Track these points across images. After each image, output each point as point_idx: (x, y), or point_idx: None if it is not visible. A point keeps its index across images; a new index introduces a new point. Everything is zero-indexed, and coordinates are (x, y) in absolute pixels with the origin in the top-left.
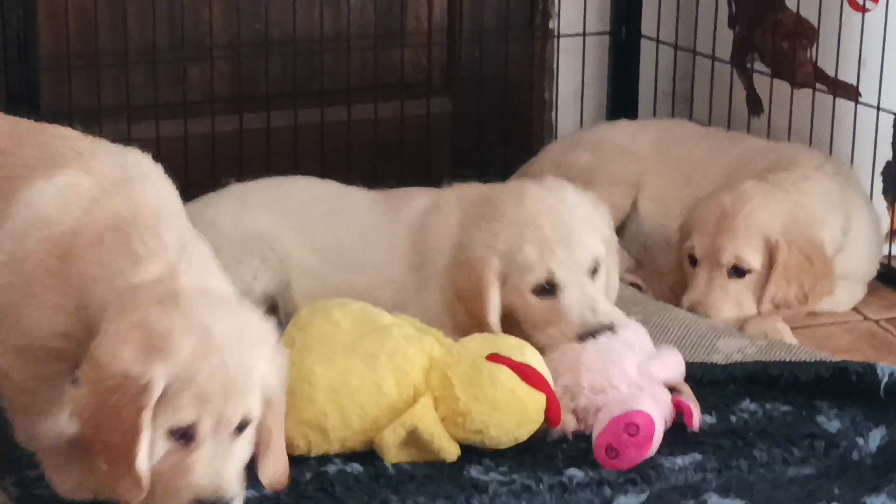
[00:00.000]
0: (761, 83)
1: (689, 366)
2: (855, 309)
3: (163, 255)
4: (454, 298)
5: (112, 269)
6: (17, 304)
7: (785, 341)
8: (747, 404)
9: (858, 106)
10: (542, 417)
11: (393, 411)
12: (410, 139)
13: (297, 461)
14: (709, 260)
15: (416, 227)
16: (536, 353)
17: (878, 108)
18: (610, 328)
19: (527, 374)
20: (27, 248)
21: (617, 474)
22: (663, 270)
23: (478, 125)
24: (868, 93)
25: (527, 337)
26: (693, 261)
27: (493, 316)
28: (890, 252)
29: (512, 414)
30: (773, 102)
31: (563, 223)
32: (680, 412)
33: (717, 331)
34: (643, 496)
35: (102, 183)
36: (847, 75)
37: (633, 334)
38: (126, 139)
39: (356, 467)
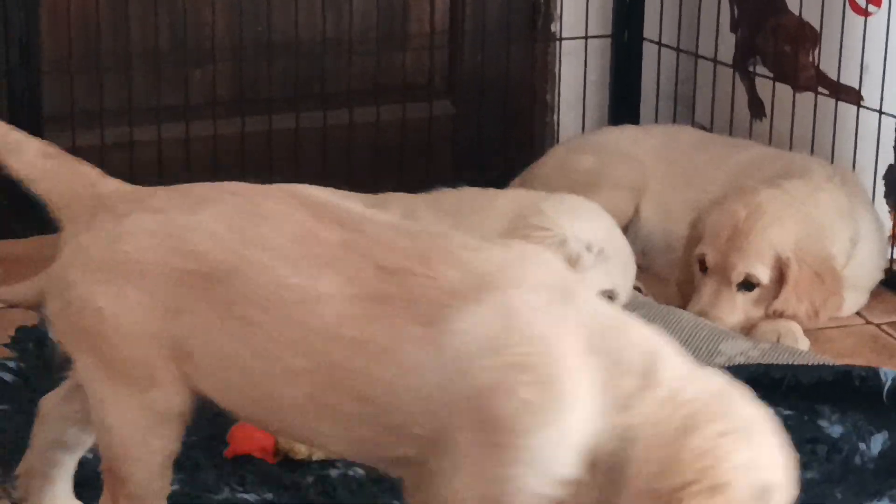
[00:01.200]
0: (763, 87)
1: None
2: (857, 313)
3: None
4: None
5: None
6: None
7: (798, 344)
8: None
9: (860, 110)
10: None
11: None
12: (412, 142)
13: (298, 465)
14: (718, 271)
15: None
16: None
17: (881, 112)
18: None
19: None
20: None
21: None
22: (663, 274)
23: (479, 128)
24: (870, 97)
25: None
26: (703, 267)
27: None
28: (892, 256)
29: None
30: (775, 106)
31: (628, 247)
32: None
33: (720, 334)
34: None
35: None
36: (849, 79)
37: None
38: (128, 142)
39: (358, 471)
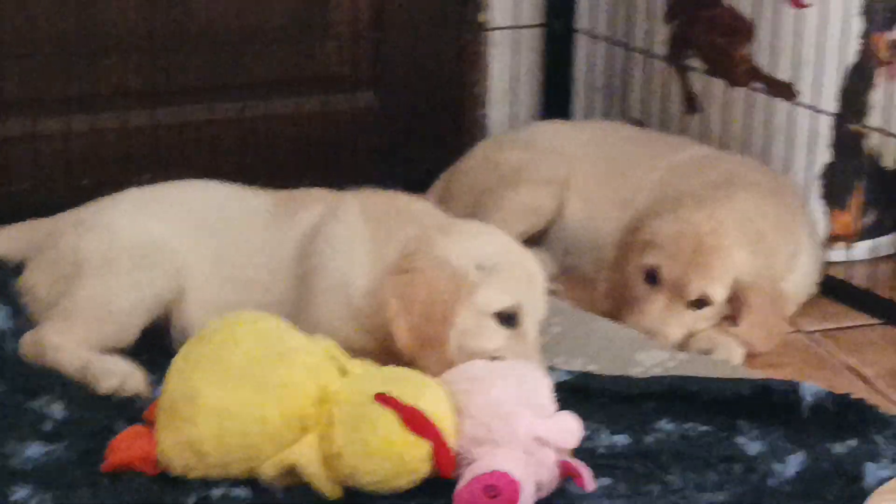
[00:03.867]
0: (698, 81)
1: (606, 380)
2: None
3: None
4: (399, 311)
5: None
6: None
7: (732, 356)
8: (664, 424)
9: (796, 106)
10: (424, 467)
11: (277, 443)
12: (335, 135)
13: (180, 483)
14: (672, 287)
15: (306, 239)
16: (440, 392)
17: (815, 109)
18: None
19: (412, 420)
20: None
21: None
22: (587, 274)
23: (405, 121)
24: (806, 92)
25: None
26: (651, 277)
27: (453, 339)
28: (827, 259)
29: (386, 462)
30: (708, 101)
31: (531, 262)
32: (568, 475)
33: (637, 343)
34: None
35: None
36: (783, 74)
37: (538, 388)
38: (31, 134)
39: (242, 493)
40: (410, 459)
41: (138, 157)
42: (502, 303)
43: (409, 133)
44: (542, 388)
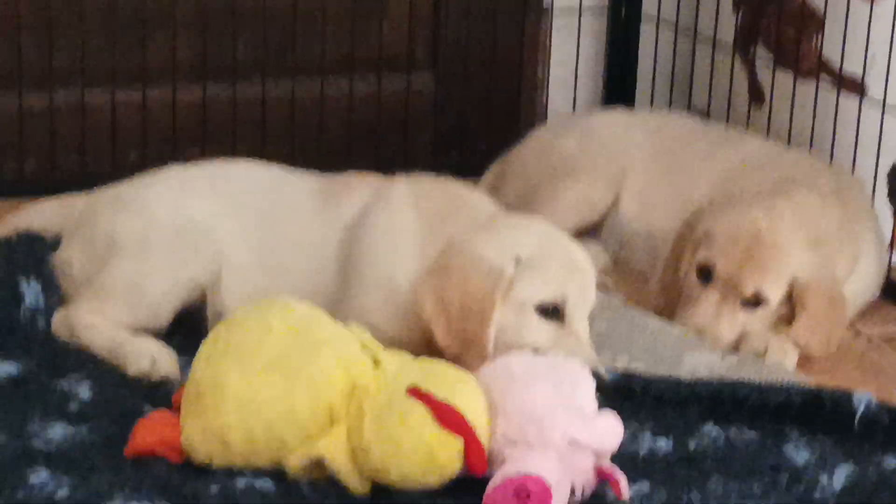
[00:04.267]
0: (764, 72)
1: (651, 380)
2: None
3: None
4: (436, 313)
5: None
6: None
7: (786, 361)
8: (709, 428)
9: (864, 101)
10: (456, 466)
11: (304, 435)
12: (388, 118)
13: (203, 472)
14: (726, 284)
15: (352, 226)
16: (475, 389)
17: (885, 105)
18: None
19: (445, 416)
20: None
21: None
22: (641, 269)
23: (462, 105)
24: (875, 89)
25: None
26: (705, 274)
27: (491, 337)
28: (890, 262)
29: (416, 459)
30: (775, 94)
31: (577, 253)
32: (604, 480)
33: (685, 343)
34: None
35: None
36: (853, 68)
37: (578, 387)
38: (80, 105)
39: (266, 485)
40: (441, 457)
41: (186, 133)
42: (543, 295)
43: (466, 117)
44: (583, 388)
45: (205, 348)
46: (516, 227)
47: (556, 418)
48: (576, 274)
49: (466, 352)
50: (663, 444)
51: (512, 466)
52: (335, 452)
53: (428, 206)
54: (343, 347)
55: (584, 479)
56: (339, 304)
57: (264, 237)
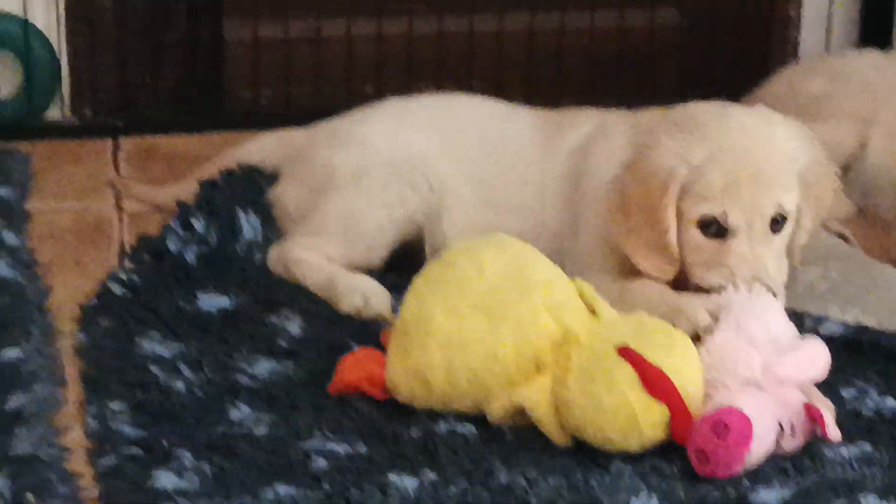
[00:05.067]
0: None
1: (883, 335)
2: None
3: None
4: (619, 217)
5: None
6: None
7: None
8: None
9: None
10: (659, 433)
11: (507, 380)
12: (630, 53)
13: (405, 413)
14: None
15: (575, 160)
16: (691, 352)
17: None
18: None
19: (651, 381)
20: None
21: (765, 462)
22: (887, 219)
23: (709, 41)
24: None
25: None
26: None
27: (673, 234)
28: None
29: (616, 421)
30: None
31: (761, 160)
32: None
33: None
34: (787, 491)
35: None
36: None
37: (768, 319)
38: (315, 37)
39: (469, 430)
40: (644, 423)
41: (422, 65)
42: (702, 209)
43: (713, 55)
44: (774, 319)
45: (416, 285)
46: (700, 128)
47: (749, 355)
48: (745, 182)
49: (652, 259)
50: (891, 403)
51: (710, 404)
52: (538, 402)
53: (646, 136)
54: (556, 293)
55: (792, 415)
56: (564, 242)
57: (485, 172)
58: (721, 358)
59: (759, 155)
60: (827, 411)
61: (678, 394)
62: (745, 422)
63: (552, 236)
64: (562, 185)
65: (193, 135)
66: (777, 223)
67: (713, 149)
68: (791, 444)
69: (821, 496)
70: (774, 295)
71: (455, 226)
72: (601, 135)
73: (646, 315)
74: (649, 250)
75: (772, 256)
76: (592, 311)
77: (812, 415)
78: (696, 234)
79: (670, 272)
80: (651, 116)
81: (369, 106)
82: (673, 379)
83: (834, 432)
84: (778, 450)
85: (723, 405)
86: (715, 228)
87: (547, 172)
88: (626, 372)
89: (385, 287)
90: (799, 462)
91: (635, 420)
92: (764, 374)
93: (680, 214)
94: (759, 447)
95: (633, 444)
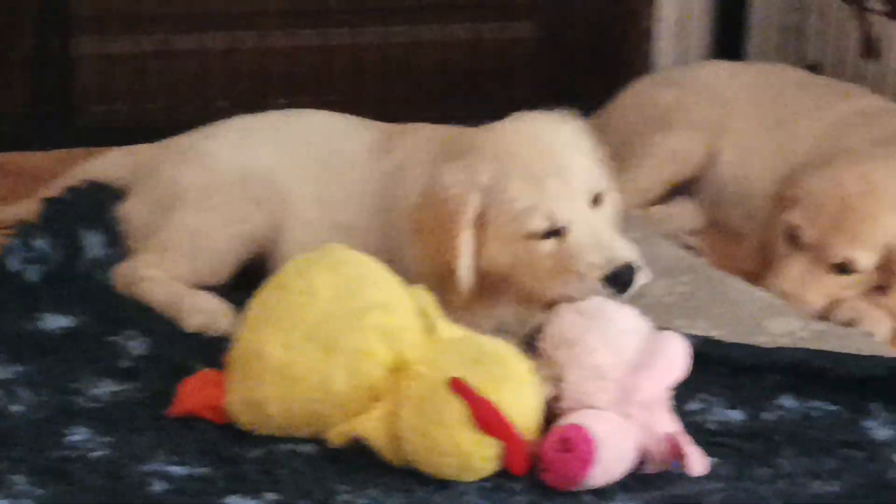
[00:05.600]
0: (878, 24)
1: (729, 347)
2: None
3: None
4: (419, 246)
5: None
6: None
7: (878, 330)
8: (785, 400)
9: None
10: (492, 466)
11: (342, 412)
12: (485, 66)
13: (245, 435)
14: (814, 250)
15: (389, 181)
16: (527, 379)
17: None
18: (631, 268)
19: (484, 417)
20: None
21: None
22: (736, 228)
23: (565, 54)
24: None
25: (531, 296)
26: (793, 238)
27: (465, 266)
28: None
29: (448, 457)
30: (888, 46)
31: (549, 151)
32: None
33: (769, 308)
34: None
35: None
36: None
37: (617, 342)
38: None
39: (307, 448)
40: (477, 460)
41: (276, 79)
42: (530, 226)
43: (569, 67)
44: (623, 334)
45: (251, 310)
46: (477, 149)
47: (604, 391)
48: (549, 182)
49: (445, 282)
50: (736, 415)
51: (563, 420)
52: (374, 432)
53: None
54: (390, 316)
55: (653, 442)
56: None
57: (323, 190)
58: (577, 399)
59: (550, 149)
60: (693, 449)
61: (511, 428)
62: (588, 442)
63: (382, 258)
64: (380, 204)
65: (43, 151)
66: (596, 202)
67: (499, 163)
68: (653, 468)
69: None
70: (637, 269)
71: (297, 244)
72: (413, 157)
73: (485, 337)
74: (437, 279)
75: (615, 234)
76: (430, 330)
77: (674, 449)
78: (534, 245)
79: (460, 301)
80: (463, 137)
81: (221, 121)
82: (507, 411)
83: (698, 467)
84: (641, 469)
85: (573, 420)
86: (550, 232)
87: (367, 193)
88: (456, 408)
89: (231, 304)
90: (642, 476)
91: (467, 459)
92: (623, 402)
93: (505, 236)
94: (616, 468)
95: (469, 477)
